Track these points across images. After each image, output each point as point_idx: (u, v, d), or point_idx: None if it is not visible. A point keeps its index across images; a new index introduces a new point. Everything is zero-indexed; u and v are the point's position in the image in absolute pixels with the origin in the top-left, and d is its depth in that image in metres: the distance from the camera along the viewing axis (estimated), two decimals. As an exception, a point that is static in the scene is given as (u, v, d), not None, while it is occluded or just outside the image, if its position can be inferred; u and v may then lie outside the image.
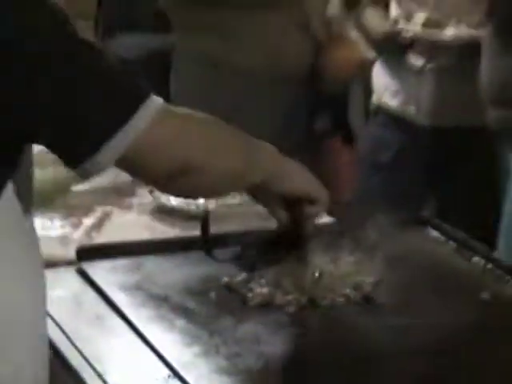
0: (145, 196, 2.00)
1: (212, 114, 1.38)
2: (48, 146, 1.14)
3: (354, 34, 2.64)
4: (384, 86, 2.45)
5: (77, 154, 1.12)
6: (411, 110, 2.40)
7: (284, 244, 1.58)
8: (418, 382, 1.31)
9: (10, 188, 1.14)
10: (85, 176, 1.15)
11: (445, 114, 2.35)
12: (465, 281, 1.64)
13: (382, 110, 2.50)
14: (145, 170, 1.21)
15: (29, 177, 1.24)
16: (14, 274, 1.18)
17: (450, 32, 2.33)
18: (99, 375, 1.29)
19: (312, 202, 1.46)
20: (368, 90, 2.64)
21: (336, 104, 2.83)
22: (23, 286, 1.19)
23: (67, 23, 1.12)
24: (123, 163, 1.16)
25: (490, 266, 1.67)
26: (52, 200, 1.90)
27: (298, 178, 1.45)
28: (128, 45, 3.05)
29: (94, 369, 1.30)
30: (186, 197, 1.61)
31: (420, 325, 1.44)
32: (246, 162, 1.35)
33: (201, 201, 1.93)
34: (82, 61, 1.14)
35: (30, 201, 1.23)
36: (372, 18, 2.46)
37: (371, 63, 2.58)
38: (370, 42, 2.52)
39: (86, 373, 1.30)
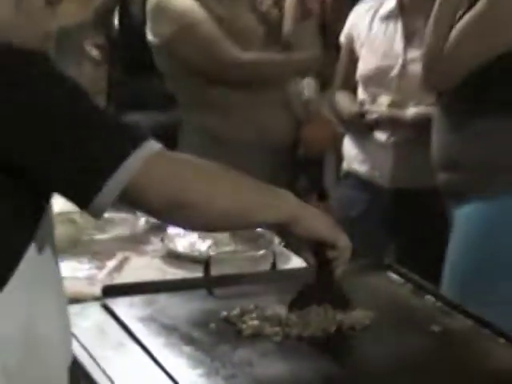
0: (157, 244, 1.94)
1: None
2: (63, 193, 1.09)
3: (327, 112, 2.62)
4: (353, 155, 2.43)
5: (84, 196, 1.05)
6: (376, 174, 2.38)
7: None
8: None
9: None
10: (96, 214, 1.08)
11: (403, 177, 2.34)
12: (419, 315, 1.58)
13: (351, 174, 2.46)
14: (143, 204, 1.13)
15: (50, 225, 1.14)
16: (47, 311, 1.13)
17: (410, 112, 2.29)
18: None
19: (332, 246, 1.32)
20: (339, 158, 2.59)
21: (313, 168, 2.81)
22: (53, 318, 1.14)
23: (82, 92, 1.07)
24: (124, 198, 1.08)
25: (439, 303, 1.60)
26: (77, 246, 1.83)
27: (314, 222, 1.30)
28: (138, 120, 2.87)
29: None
30: (185, 228, 1.50)
31: (383, 351, 1.40)
32: (257, 202, 1.24)
33: (203, 248, 1.86)
34: (92, 117, 1.08)
35: (54, 247, 1.14)
36: (342, 100, 2.44)
37: (342, 137, 2.54)
38: (340, 120, 2.50)
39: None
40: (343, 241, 1.32)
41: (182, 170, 1.13)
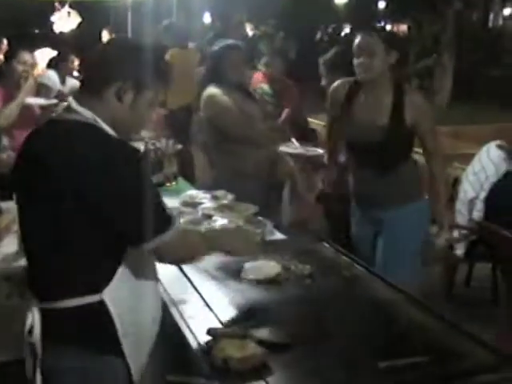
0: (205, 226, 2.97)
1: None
2: (129, 241, 1.74)
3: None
4: None
5: (138, 242, 1.73)
6: None
7: None
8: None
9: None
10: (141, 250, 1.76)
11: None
12: (337, 267, 2.50)
13: None
14: (164, 258, 1.85)
15: None
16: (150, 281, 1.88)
17: None
18: (175, 304, 2.14)
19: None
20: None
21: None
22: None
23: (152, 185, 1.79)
24: (155, 252, 1.77)
25: (349, 260, 2.54)
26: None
27: (238, 250, 2.14)
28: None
29: (174, 302, 2.15)
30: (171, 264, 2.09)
31: (312, 286, 2.31)
32: (206, 248, 1.97)
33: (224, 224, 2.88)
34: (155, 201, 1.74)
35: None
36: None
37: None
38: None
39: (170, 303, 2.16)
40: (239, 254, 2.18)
41: (185, 242, 1.83)
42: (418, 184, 3.24)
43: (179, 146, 4.31)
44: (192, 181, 4.38)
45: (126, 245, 1.74)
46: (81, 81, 1.91)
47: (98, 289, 1.72)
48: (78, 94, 1.82)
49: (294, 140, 4.01)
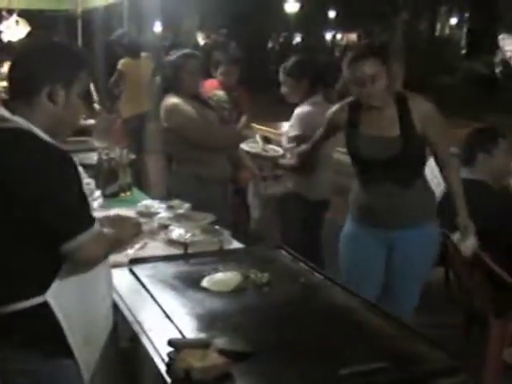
0: (162, 235, 2.96)
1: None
2: (56, 239, 1.76)
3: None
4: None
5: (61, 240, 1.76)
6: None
7: None
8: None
9: None
10: (67, 255, 1.78)
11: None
12: (294, 273, 2.53)
13: None
14: (81, 260, 1.82)
15: None
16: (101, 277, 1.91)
17: None
18: (134, 316, 2.09)
19: None
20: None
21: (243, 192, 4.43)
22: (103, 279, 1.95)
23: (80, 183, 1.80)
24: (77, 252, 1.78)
25: (306, 267, 2.56)
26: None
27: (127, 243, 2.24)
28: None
29: (133, 314, 2.10)
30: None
31: (271, 292, 2.33)
32: (112, 247, 1.98)
33: (186, 237, 2.89)
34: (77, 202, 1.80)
35: None
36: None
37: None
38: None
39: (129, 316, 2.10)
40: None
41: (102, 244, 1.85)
42: (433, 201, 3.14)
43: (133, 156, 4.29)
44: (146, 191, 4.36)
45: (60, 245, 1.76)
46: (9, 91, 1.91)
47: (41, 291, 1.74)
48: (9, 103, 1.83)
49: (258, 137, 4.02)
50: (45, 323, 1.75)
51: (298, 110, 4.08)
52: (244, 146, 3.91)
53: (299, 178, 4.02)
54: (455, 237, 3.13)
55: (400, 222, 3.02)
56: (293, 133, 4.04)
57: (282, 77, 4.08)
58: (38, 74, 1.81)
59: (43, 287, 1.74)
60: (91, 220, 1.82)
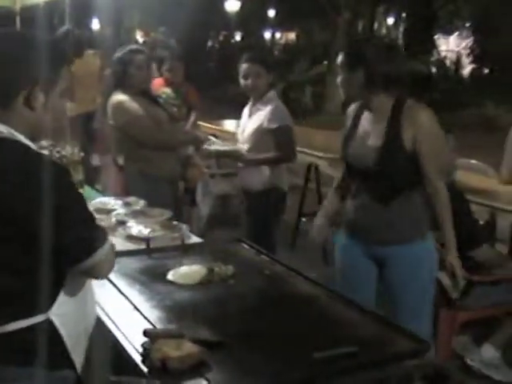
0: (122, 231, 2.98)
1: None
2: (72, 261, 1.70)
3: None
4: None
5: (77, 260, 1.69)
6: None
7: None
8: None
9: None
10: (85, 271, 1.73)
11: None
12: (258, 265, 2.59)
13: None
14: (101, 275, 1.82)
15: None
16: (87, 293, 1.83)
17: None
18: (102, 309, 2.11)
19: None
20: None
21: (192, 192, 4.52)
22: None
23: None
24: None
25: (268, 259, 2.63)
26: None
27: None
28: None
29: (101, 308, 2.11)
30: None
31: (239, 283, 2.38)
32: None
33: (146, 232, 2.90)
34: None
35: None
36: None
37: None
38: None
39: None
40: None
41: (109, 261, 1.78)
42: (424, 217, 2.82)
43: (82, 154, 4.26)
44: (96, 188, 4.35)
45: (65, 265, 1.69)
46: None
47: (44, 309, 1.68)
48: None
49: (211, 137, 4.06)
50: (48, 340, 1.68)
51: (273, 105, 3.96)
52: (209, 147, 3.94)
53: (277, 170, 3.95)
54: (443, 281, 3.09)
55: (382, 239, 2.83)
56: (272, 125, 3.88)
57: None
58: (13, 76, 1.65)
59: (46, 306, 1.68)
60: (105, 233, 1.77)
